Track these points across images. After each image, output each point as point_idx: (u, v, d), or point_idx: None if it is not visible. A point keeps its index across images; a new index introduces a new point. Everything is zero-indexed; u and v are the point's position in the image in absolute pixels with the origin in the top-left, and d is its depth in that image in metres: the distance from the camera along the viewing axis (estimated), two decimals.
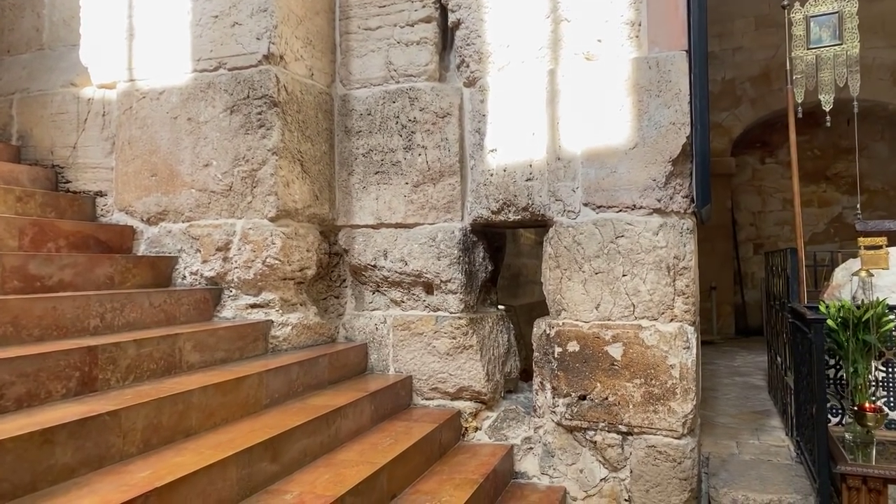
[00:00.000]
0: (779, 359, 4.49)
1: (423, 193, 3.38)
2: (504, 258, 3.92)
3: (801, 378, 3.33)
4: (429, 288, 3.41)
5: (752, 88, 9.12)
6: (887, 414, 2.99)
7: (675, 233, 2.96)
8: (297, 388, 2.78)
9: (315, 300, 3.46)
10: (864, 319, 3.07)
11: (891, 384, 3.27)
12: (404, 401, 3.29)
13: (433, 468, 2.81)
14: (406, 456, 2.57)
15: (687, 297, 2.94)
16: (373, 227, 3.49)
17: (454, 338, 3.29)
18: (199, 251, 3.19)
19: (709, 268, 8.81)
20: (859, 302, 3.56)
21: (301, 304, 3.31)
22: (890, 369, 3.29)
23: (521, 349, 4.18)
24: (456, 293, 3.32)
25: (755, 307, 10.02)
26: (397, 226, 3.44)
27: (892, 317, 3.17)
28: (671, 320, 2.95)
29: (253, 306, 3.14)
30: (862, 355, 3.09)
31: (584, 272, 3.08)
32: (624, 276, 3.01)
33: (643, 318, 2.98)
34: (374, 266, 3.46)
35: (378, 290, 3.53)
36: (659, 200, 2.96)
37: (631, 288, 2.99)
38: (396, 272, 3.41)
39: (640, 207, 2.99)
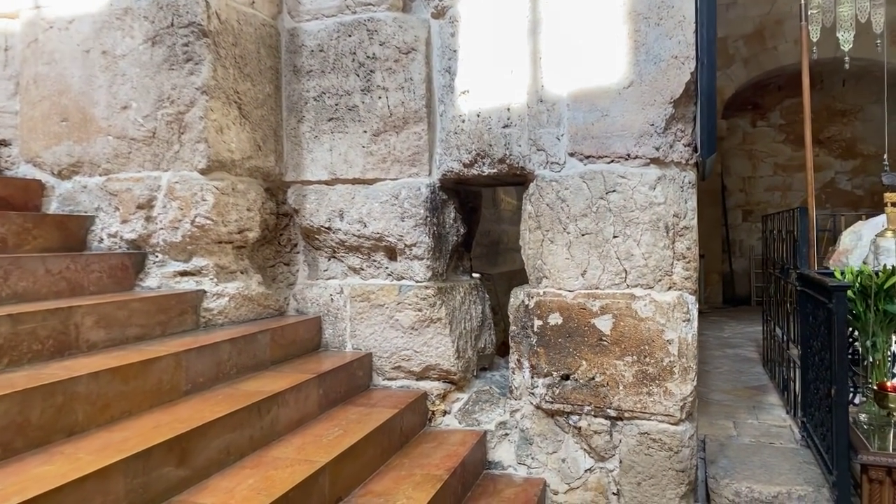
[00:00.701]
0: (779, 331, 4.12)
1: (385, 144, 2.92)
2: (479, 220, 3.48)
3: (810, 353, 2.96)
4: (391, 253, 2.97)
5: (746, 47, 8.66)
6: None
7: (675, 187, 2.54)
8: (229, 370, 2.34)
9: (261, 268, 3.01)
10: (886, 287, 2.68)
11: None
12: (362, 382, 2.87)
13: (391, 462, 2.40)
14: (357, 450, 2.15)
15: (688, 262, 2.53)
16: (327, 183, 3.02)
17: (420, 310, 2.86)
18: (118, 209, 2.71)
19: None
20: (875, 268, 3.18)
21: (242, 272, 2.85)
22: None
23: (499, 322, 3.78)
24: (422, 259, 2.88)
25: (743, 276, 9.72)
26: (355, 181, 2.98)
27: None
28: (669, 288, 2.54)
29: (183, 274, 2.68)
30: (882, 327, 2.71)
31: (568, 234, 2.65)
32: (615, 237, 2.58)
33: (637, 286, 2.57)
34: (329, 228, 3.00)
35: (334, 257, 3.08)
36: (657, 149, 2.53)
37: (623, 251, 2.57)
38: (354, 235, 2.96)
39: (636, 157, 2.56)
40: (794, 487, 2.58)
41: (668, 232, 2.52)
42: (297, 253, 3.17)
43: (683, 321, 2.50)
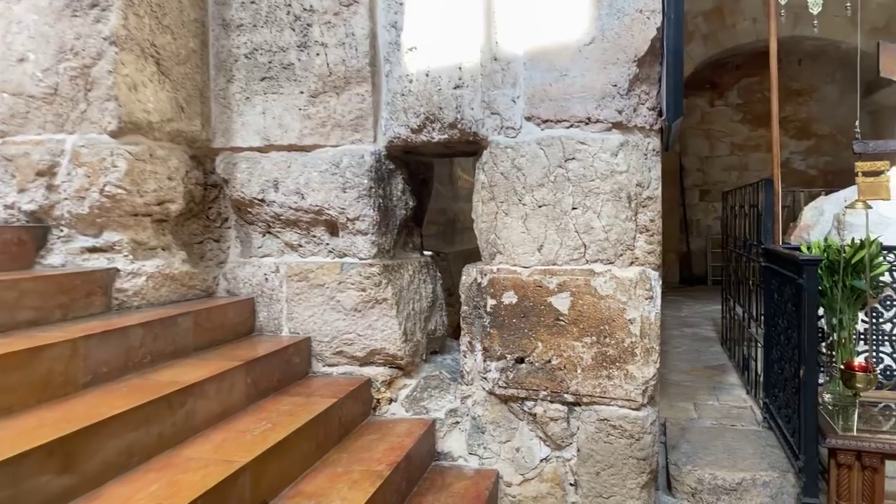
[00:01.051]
0: (739, 309, 4.03)
1: (324, 106, 2.64)
2: (430, 193, 3.25)
3: (774, 332, 2.83)
4: (332, 228, 2.71)
5: (705, 24, 8.57)
6: (878, 374, 2.52)
7: (639, 154, 2.35)
8: (142, 358, 2.06)
9: (186, 244, 2.71)
10: (853, 262, 2.56)
11: (875, 337, 2.80)
12: (299, 369, 2.62)
13: (328, 457, 2.17)
14: (286, 445, 1.91)
15: (651, 235, 2.35)
16: (260, 150, 2.73)
17: (364, 289, 2.62)
18: (15, 177, 2.38)
19: None
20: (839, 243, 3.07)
21: (163, 249, 2.56)
22: (875, 319, 2.81)
23: (454, 304, 3.56)
24: (366, 234, 2.63)
25: (700, 256, 9.75)
26: (291, 148, 2.70)
27: (888, 258, 2.68)
28: (631, 263, 2.35)
29: (92, 250, 2.37)
30: (849, 304, 2.59)
31: (524, 205, 2.44)
32: (574, 209, 2.38)
33: (596, 261, 2.37)
34: (263, 200, 2.72)
35: (269, 232, 2.80)
36: (620, 112, 2.32)
37: (582, 224, 2.37)
38: (291, 208, 2.69)
39: (597, 121, 2.35)
40: (758, 473, 2.45)
41: (630, 203, 2.33)
42: (229, 228, 2.88)
43: (646, 299, 2.32)
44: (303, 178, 2.66)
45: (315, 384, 2.54)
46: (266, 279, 2.76)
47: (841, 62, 8.72)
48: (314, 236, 2.73)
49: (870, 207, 2.50)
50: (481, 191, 2.53)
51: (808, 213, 3.86)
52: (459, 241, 5.48)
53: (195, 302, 2.58)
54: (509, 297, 2.45)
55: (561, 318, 2.39)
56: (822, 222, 3.75)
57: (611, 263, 2.36)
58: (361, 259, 2.65)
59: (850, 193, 3.70)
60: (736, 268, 4.13)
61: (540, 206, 2.42)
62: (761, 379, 3.17)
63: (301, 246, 2.75)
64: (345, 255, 2.69)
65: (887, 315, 2.81)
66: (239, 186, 2.75)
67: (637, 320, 2.32)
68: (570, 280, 2.38)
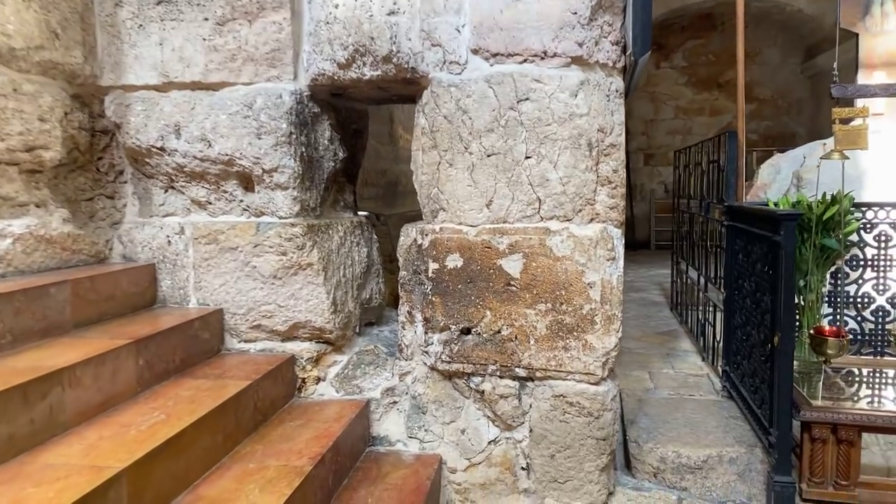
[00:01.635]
0: (693, 272, 3.85)
1: (234, 36, 2.22)
2: (365, 146, 2.87)
3: (738, 295, 2.64)
4: (247, 182, 2.32)
5: None
6: (850, 339, 2.34)
7: (601, 95, 2.05)
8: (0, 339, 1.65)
9: (71, 201, 2.27)
10: (825, 219, 2.36)
11: (839, 300, 2.64)
12: (209, 346, 2.24)
13: (240, 450, 1.83)
14: (182, 441, 1.56)
15: (614, 188, 2.06)
16: (157, 88, 2.30)
17: (284, 253, 2.25)
18: None
19: None
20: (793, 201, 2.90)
21: (37, 206, 2.11)
22: (839, 281, 2.65)
23: (395, 270, 3.23)
24: (287, 189, 2.26)
25: (644, 220, 9.71)
26: (195, 86, 2.27)
27: (856, 216, 2.49)
28: (591, 220, 2.07)
29: None
30: (819, 265, 2.40)
31: (471, 154, 2.11)
32: (528, 158, 2.07)
33: (552, 218, 2.08)
34: (163, 149, 2.30)
35: (172, 187, 2.39)
36: (580, 45, 2.01)
37: (537, 175, 2.07)
38: (196, 158, 2.28)
39: (554, 56, 2.03)
40: (724, 449, 2.25)
41: (591, 150, 2.04)
42: (124, 183, 2.45)
43: (607, 260, 2.05)
44: (209, 123, 2.25)
45: (228, 363, 2.18)
46: (169, 242, 2.35)
47: (783, 26, 8.69)
48: (225, 192, 2.33)
49: (846, 158, 2.29)
50: (421, 137, 2.18)
51: (764, 171, 3.70)
52: (402, 204, 5.13)
53: (79, 269, 2.16)
54: (454, 261, 2.14)
55: (512, 283, 2.10)
56: (779, 180, 3.58)
57: (568, 220, 2.08)
58: (282, 218, 2.28)
59: (807, 150, 3.54)
60: (690, 230, 3.95)
61: (489, 155, 2.09)
62: (720, 346, 2.99)
63: (210, 203, 2.35)
64: (262, 213, 2.31)
65: (853, 276, 2.64)
66: (133, 132, 2.31)
67: (597, 284, 2.04)
68: (522, 240, 2.08)
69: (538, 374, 2.12)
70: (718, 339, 3.04)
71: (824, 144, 3.43)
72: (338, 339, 2.35)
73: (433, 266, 2.16)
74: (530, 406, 2.16)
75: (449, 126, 2.13)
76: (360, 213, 2.81)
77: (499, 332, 2.13)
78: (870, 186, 3.30)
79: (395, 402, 2.29)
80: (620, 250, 2.08)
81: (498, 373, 2.15)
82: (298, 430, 1.99)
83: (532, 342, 2.10)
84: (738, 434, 2.36)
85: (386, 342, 2.47)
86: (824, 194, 2.49)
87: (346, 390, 2.31)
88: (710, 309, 3.29)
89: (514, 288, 2.10)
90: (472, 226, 2.14)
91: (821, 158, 2.52)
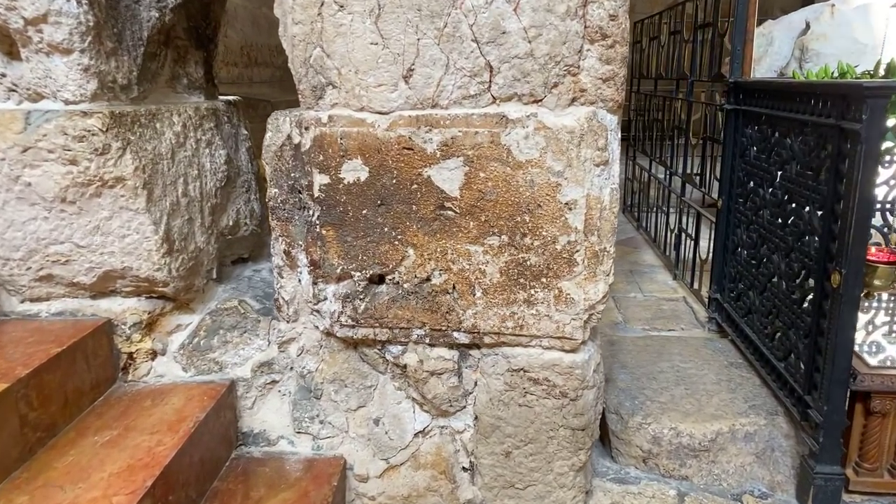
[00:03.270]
0: (661, 170, 3.18)
1: None
2: None
3: (744, 205, 1.98)
4: (9, 43, 1.38)
5: None
6: None
7: None
8: None
9: None
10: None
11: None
12: None
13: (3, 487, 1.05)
14: None
15: (610, 45, 1.27)
16: None
17: (75, 162, 1.36)
18: None
19: None
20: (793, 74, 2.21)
21: None
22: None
23: None
24: (71, 53, 1.34)
25: None
26: None
27: None
28: (573, 101, 1.29)
29: None
30: None
31: None
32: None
33: (511, 98, 1.29)
34: None
35: None
36: None
37: (486, 24, 1.24)
38: None
39: None
40: (736, 421, 1.65)
41: None
42: None
43: (596, 165, 1.29)
44: None
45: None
46: None
47: None
48: None
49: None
50: None
51: (756, 41, 2.97)
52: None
53: None
54: (354, 170, 1.33)
55: (448, 204, 1.32)
56: (771, 53, 2.88)
57: (537, 102, 1.28)
58: (68, 103, 1.38)
59: (811, 14, 2.81)
60: (658, 117, 3.23)
61: None
62: (706, 265, 2.36)
63: None
64: (40, 96, 1.40)
65: None
66: None
67: (580, 204, 1.30)
68: (463, 135, 1.28)
69: (487, 340, 1.40)
70: (704, 256, 2.41)
71: (833, 6, 2.71)
72: (180, 291, 1.53)
73: (321, 180, 1.34)
74: (475, 384, 1.46)
75: None
76: (220, 97, 1.91)
77: (427, 279, 1.38)
78: (883, 60, 2.64)
79: (273, 383, 1.54)
80: (615, 149, 1.33)
81: (427, 339, 1.42)
82: (105, 454, 1.22)
83: (478, 294, 1.37)
84: (748, 393, 1.76)
85: (262, 291, 1.68)
86: (842, 66, 1.79)
87: (199, 367, 1.53)
88: (686, 215, 2.65)
89: (450, 212, 1.33)
90: (381, 112, 1.31)
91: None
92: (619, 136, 1.34)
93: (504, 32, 1.24)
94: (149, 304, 1.52)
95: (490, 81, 1.28)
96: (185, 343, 1.54)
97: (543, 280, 1.34)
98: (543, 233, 1.32)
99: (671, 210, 2.96)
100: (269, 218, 1.43)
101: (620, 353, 2.08)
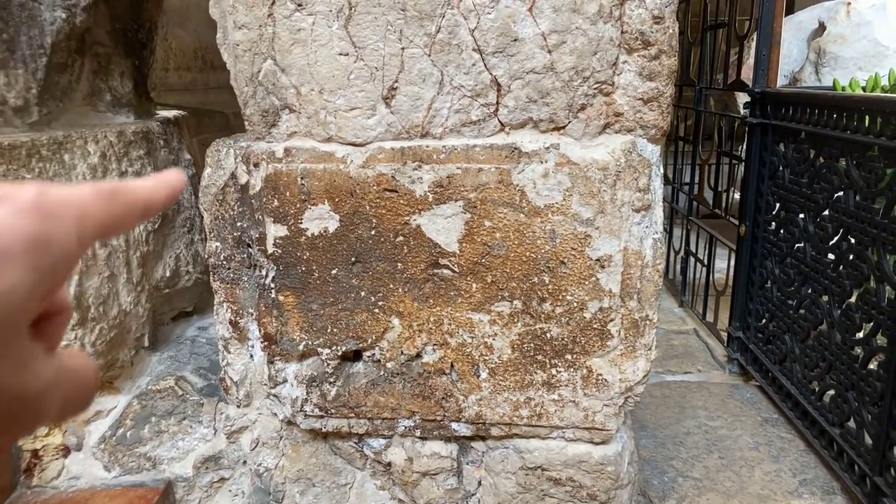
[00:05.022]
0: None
1: None
2: None
3: (773, 236, 1.71)
4: None
5: None
6: None
7: None
8: None
9: None
10: None
11: None
12: None
13: None
14: None
15: (654, 59, 0.97)
16: None
17: None
18: None
19: None
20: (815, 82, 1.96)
21: None
22: None
23: None
24: None
25: None
26: None
27: None
28: (605, 128, 0.99)
29: None
30: None
31: None
32: None
33: (524, 124, 0.99)
34: None
35: None
36: None
37: (492, 29, 0.94)
38: None
39: None
40: None
41: None
42: None
43: (636, 210, 1.00)
44: None
45: None
46: None
47: None
48: None
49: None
50: None
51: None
52: None
53: None
54: (320, 219, 1.01)
55: (444, 261, 1.02)
56: (780, 56, 2.61)
57: (559, 129, 0.98)
58: None
59: (825, 13, 2.57)
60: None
61: None
62: (722, 293, 2.10)
63: None
64: None
65: None
66: None
67: (615, 260, 1.00)
68: (462, 173, 0.98)
69: (495, 432, 1.10)
70: (721, 289, 2.14)
71: (848, 4, 2.47)
72: (99, 370, 1.19)
73: (277, 231, 1.02)
74: (478, 484, 1.15)
75: None
76: (158, 113, 1.58)
77: (417, 356, 1.07)
78: None
79: (222, 481, 1.21)
80: (658, 188, 1.03)
81: (418, 431, 1.11)
82: None
83: (484, 375, 1.06)
84: (794, 463, 1.49)
85: (208, 360, 1.35)
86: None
87: (125, 466, 1.20)
88: (699, 237, 2.38)
89: (447, 271, 1.02)
90: (354, 144, 1.00)
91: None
92: (662, 171, 1.05)
93: (516, 40, 0.94)
94: None
95: (497, 103, 0.97)
96: (106, 435, 1.20)
97: (568, 357, 1.05)
98: (568, 297, 1.02)
99: (675, 227, 2.70)
100: (211, 278, 1.10)
101: (637, 407, 1.79)
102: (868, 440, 1.30)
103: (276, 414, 1.16)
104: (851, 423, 1.37)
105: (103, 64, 1.40)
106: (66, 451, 1.19)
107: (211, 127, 3.04)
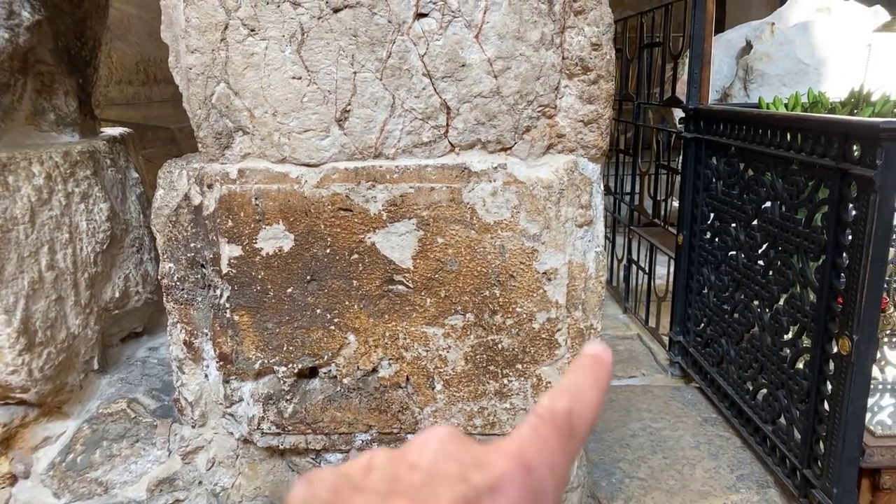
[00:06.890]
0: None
1: None
2: (107, 4, 1.57)
3: (709, 244, 1.81)
4: None
5: None
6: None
7: None
8: None
9: None
10: None
11: None
12: None
13: None
14: None
15: (593, 83, 1.03)
16: None
17: None
18: None
19: None
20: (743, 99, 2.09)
21: None
22: None
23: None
24: None
25: None
26: None
27: None
28: (548, 148, 1.05)
29: None
30: None
31: (297, 6, 0.96)
32: (422, 16, 0.96)
33: (473, 145, 1.03)
34: None
35: None
36: None
37: (441, 55, 0.98)
38: None
39: None
40: (728, 499, 1.45)
41: (551, 2, 0.98)
42: None
43: (579, 226, 1.06)
44: None
45: None
46: None
47: None
48: None
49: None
50: None
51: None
52: None
53: None
54: (275, 239, 1.03)
55: (398, 277, 1.05)
56: (711, 72, 2.76)
57: (506, 150, 1.03)
58: None
59: (751, 32, 2.72)
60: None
61: (336, 10, 0.96)
62: (662, 298, 2.20)
63: None
64: None
65: None
66: None
67: (560, 273, 1.06)
68: (415, 192, 1.01)
69: None
70: (662, 295, 2.25)
71: (772, 24, 2.63)
72: (47, 395, 1.17)
73: (231, 252, 1.04)
74: None
75: None
76: (103, 130, 1.56)
77: (373, 371, 1.09)
78: (825, 80, 2.58)
79: (178, 503, 1.21)
80: (599, 205, 1.09)
81: (375, 444, 1.14)
82: None
83: (439, 387, 1.10)
84: (732, 460, 1.58)
85: (160, 381, 1.34)
86: (814, 93, 1.66)
87: (76, 492, 1.18)
88: (640, 245, 2.48)
89: (401, 287, 1.05)
90: (308, 164, 1.02)
91: (875, 32, 1.66)
92: (602, 187, 1.11)
93: (464, 65, 0.99)
94: (4, 414, 1.15)
95: (447, 125, 1.02)
96: (56, 461, 1.18)
97: (519, 366, 1.09)
98: (518, 309, 1.06)
99: (618, 235, 2.81)
100: (165, 299, 1.10)
101: None
102: (797, 435, 1.39)
103: (232, 433, 1.16)
104: (782, 420, 1.46)
105: (46, 83, 1.37)
106: (13, 479, 1.16)
107: (155, 141, 2.98)
